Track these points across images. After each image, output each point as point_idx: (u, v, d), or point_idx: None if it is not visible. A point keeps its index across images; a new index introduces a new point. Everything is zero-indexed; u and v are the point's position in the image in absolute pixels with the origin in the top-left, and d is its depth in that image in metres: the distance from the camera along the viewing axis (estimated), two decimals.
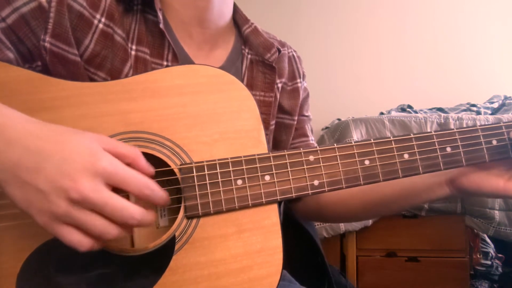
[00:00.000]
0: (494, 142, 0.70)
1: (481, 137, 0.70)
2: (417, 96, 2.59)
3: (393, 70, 2.70)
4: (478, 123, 1.74)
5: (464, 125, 1.75)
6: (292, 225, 0.99)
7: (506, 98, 2.27)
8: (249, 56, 0.86)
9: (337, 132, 1.93)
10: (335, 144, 0.67)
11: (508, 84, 2.61)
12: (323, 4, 2.74)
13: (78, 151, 0.47)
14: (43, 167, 0.46)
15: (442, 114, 1.84)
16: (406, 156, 0.68)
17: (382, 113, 2.23)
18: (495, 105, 2.18)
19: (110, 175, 0.48)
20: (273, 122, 0.89)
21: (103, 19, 0.70)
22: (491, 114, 2.03)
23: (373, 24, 2.73)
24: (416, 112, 2.15)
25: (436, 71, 2.66)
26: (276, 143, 0.93)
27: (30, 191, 0.46)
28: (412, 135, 0.69)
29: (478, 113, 2.02)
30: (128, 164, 0.51)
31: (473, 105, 2.20)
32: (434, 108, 2.30)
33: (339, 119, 2.25)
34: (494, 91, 2.44)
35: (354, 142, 0.68)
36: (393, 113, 2.13)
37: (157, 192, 0.52)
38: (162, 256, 0.60)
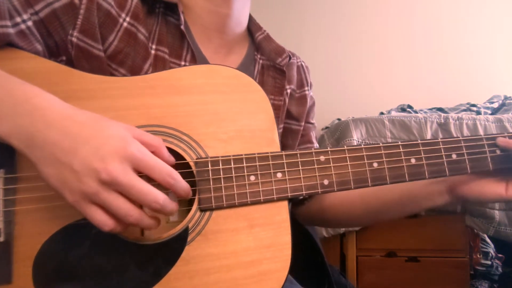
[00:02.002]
0: (498, 152, 0.73)
1: (486, 146, 0.73)
2: (417, 96, 2.60)
3: (393, 70, 2.70)
4: (478, 123, 1.74)
5: (464, 125, 1.76)
6: (292, 225, 1.00)
7: (506, 98, 2.27)
8: (261, 61, 0.90)
9: (337, 132, 1.93)
10: (345, 146, 0.69)
11: (508, 84, 2.62)
12: (323, 5, 2.74)
13: (112, 136, 0.51)
14: (79, 150, 0.49)
15: (442, 114, 1.84)
16: (413, 160, 0.70)
17: (382, 113, 2.23)
18: (495, 105, 2.17)
19: (138, 161, 0.51)
20: (281, 126, 0.92)
21: (128, 18, 0.73)
22: (491, 114, 2.03)
23: (374, 24, 2.73)
24: (416, 112, 2.15)
25: (436, 71, 2.67)
26: (282, 148, 0.94)
27: (64, 171, 0.49)
28: (419, 141, 0.71)
29: (478, 113, 2.02)
30: (152, 152, 0.54)
31: (473, 105, 2.19)
32: (434, 108, 2.30)
33: (339, 119, 2.26)
34: (494, 91, 2.44)
35: (356, 143, 0.70)
36: (393, 113, 2.13)
37: (180, 182, 0.55)
38: (175, 246, 0.61)
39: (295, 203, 0.97)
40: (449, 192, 0.76)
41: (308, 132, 0.99)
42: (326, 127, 2.28)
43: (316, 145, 1.01)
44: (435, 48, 2.68)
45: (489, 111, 2.09)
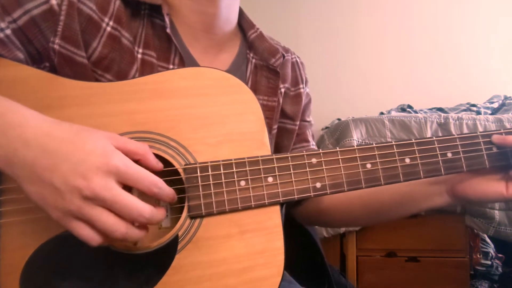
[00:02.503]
0: (495, 149, 0.71)
1: (482, 144, 0.71)
2: (417, 96, 2.59)
3: (393, 69, 2.70)
4: (478, 123, 1.74)
5: (464, 125, 1.75)
6: (292, 225, 0.99)
7: (506, 98, 2.26)
8: (254, 60, 0.87)
9: (337, 132, 1.92)
10: (337, 148, 0.68)
11: (508, 84, 2.61)
12: (323, 4, 2.73)
13: (92, 151, 0.49)
14: (59, 167, 0.48)
15: (442, 114, 1.83)
16: (407, 160, 0.69)
17: (382, 113, 2.22)
18: (495, 105, 2.17)
19: (122, 174, 0.50)
20: (275, 126, 0.89)
21: (111, 23, 0.70)
22: (491, 114, 2.02)
23: (374, 24, 2.73)
24: (416, 112, 2.14)
25: (436, 71, 2.66)
26: (277, 148, 0.93)
27: (45, 189, 0.48)
28: (413, 140, 0.69)
29: (478, 113, 2.01)
30: (138, 160, 0.53)
31: (473, 105, 2.18)
32: (434, 108, 2.29)
33: (339, 119, 2.25)
34: (494, 91, 2.43)
35: (356, 143, 0.69)
36: (393, 113, 2.12)
37: (165, 189, 0.54)
38: (165, 255, 0.60)
39: (292, 204, 0.95)
40: (449, 192, 0.75)
41: (304, 131, 0.97)
42: (326, 127, 2.28)
43: (312, 143, 0.98)
44: (435, 48, 2.67)
45: (489, 111, 2.08)
